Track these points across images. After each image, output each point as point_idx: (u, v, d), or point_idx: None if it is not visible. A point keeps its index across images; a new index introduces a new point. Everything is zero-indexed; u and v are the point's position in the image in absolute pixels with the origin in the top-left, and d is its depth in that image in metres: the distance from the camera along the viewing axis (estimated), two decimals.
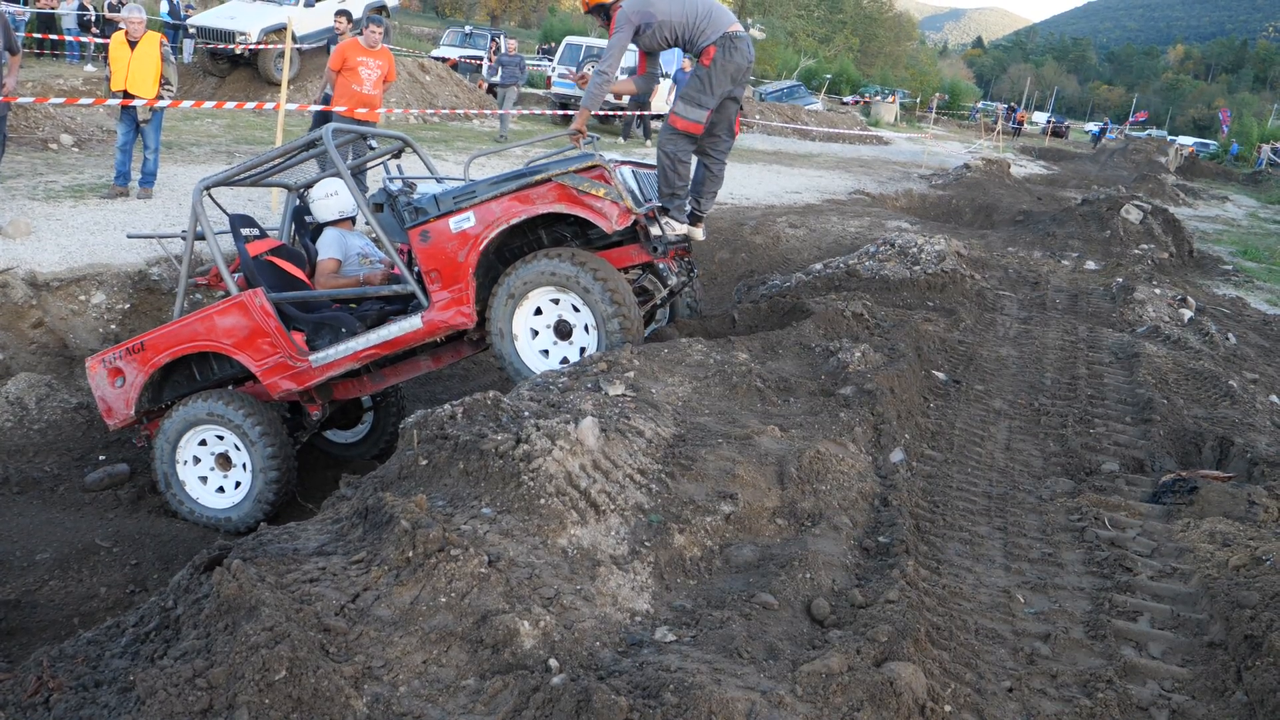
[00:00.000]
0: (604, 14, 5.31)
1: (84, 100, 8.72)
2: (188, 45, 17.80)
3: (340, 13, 10.76)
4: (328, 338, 5.23)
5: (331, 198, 5.88)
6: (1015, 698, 2.55)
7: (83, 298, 6.74)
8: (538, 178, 4.73)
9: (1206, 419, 4.91)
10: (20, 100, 8.13)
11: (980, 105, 66.19)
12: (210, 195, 5.55)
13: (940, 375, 5.19)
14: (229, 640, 2.27)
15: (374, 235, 5.36)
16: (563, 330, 4.90)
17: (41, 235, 6.95)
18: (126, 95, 7.99)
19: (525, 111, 17.77)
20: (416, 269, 5.04)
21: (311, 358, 5.14)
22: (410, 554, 2.65)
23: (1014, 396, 5.12)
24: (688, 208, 5.25)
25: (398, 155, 6.20)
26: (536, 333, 4.93)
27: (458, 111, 14.94)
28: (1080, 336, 6.38)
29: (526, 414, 3.58)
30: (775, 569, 2.92)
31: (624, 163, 5.07)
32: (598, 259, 4.77)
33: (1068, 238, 11.26)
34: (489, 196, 4.78)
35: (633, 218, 4.70)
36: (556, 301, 4.84)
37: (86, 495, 5.62)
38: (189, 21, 18.53)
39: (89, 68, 17.44)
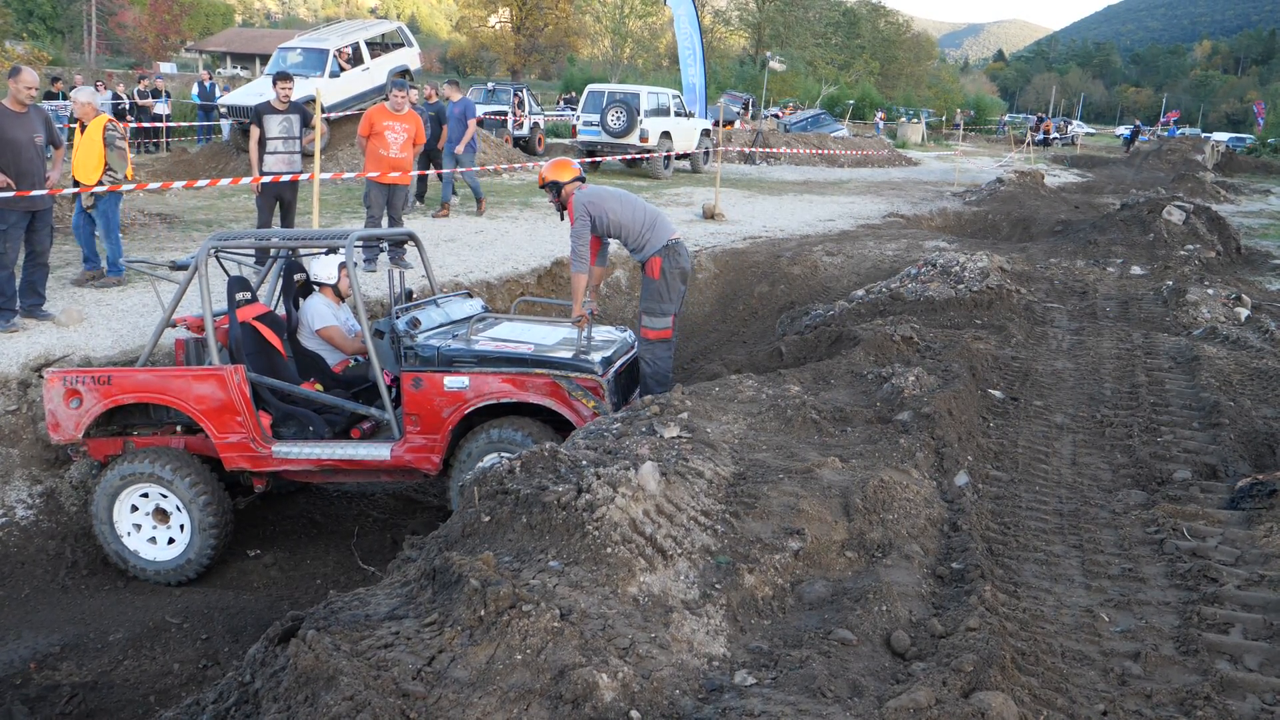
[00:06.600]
0: (554, 191, 5.87)
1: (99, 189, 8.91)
2: (225, 125, 18.35)
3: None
4: (293, 430, 5.38)
5: (330, 265, 6.05)
6: None
7: None
8: (538, 371, 5.03)
9: (1278, 418, 4.77)
10: (64, 192, 8.38)
11: (1007, 118, 65.84)
12: (217, 255, 5.76)
13: (997, 394, 5.11)
14: (310, 712, 2.27)
15: (363, 345, 5.57)
16: None
17: (93, 321, 7.12)
18: (76, 183, 7.76)
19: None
20: (395, 394, 5.26)
21: (274, 448, 5.27)
22: (482, 613, 2.64)
23: (1075, 410, 5.02)
24: None
25: (401, 245, 6.41)
26: None
27: (488, 167, 15.21)
28: (1136, 343, 6.25)
29: (585, 463, 3.57)
30: (850, 603, 2.86)
31: (618, 370, 5.31)
32: (551, 434, 4.95)
33: (1110, 244, 11.09)
34: (489, 371, 5.09)
35: None
36: None
37: None
38: (219, 101, 19.09)
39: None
